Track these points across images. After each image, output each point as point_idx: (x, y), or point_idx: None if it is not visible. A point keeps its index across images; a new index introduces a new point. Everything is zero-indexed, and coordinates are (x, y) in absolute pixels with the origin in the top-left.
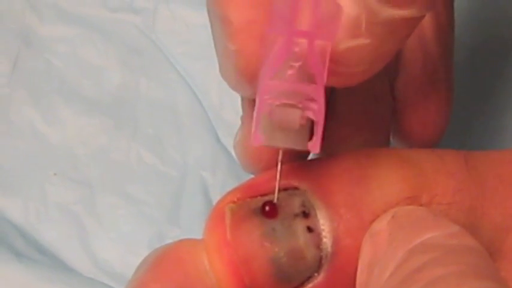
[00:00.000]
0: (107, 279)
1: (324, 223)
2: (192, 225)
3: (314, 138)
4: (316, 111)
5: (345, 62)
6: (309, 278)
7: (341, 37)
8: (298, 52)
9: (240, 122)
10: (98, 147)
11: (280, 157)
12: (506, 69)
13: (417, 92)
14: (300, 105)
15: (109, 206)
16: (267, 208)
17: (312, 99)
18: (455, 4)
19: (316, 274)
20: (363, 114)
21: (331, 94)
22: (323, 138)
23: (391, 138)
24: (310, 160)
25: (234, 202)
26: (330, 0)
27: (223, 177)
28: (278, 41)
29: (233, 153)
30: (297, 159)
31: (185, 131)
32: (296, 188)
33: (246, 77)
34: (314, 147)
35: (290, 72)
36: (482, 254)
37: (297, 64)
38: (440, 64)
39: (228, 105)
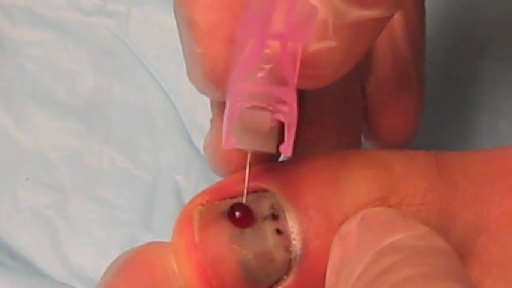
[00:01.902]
0: (79, 284)
1: (293, 225)
2: (165, 228)
3: (286, 140)
4: (288, 113)
5: (314, 64)
6: (278, 281)
7: (309, 39)
8: (269, 54)
9: None
10: (71, 151)
11: (248, 159)
12: (480, 69)
13: (388, 92)
14: (270, 108)
15: (81, 210)
16: (237, 214)
17: (283, 102)
18: (428, 4)
19: (285, 277)
20: (333, 115)
21: (301, 95)
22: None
23: (362, 139)
24: (280, 162)
25: (202, 205)
26: (305, 2)
27: (197, 180)
28: (249, 43)
29: None
30: (267, 161)
31: (158, 134)
32: (265, 190)
33: (213, 80)
34: (286, 150)
35: (260, 74)
36: (451, 255)
37: (267, 66)
38: (411, 64)
39: (202, 108)
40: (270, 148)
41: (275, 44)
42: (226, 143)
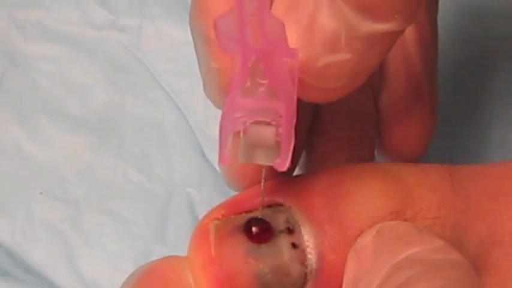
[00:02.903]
0: None
1: (308, 239)
2: (178, 242)
3: (281, 156)
4: (284, 126)
5: (325, 77)
6: None
7: (320, 52)
8: (263, 69)
9: None
10: (84, 165)
11: (263, 174)
12: (492, 82)
13: (401, 107)
14: (274, 122)
15: (95, 224)
16: (254, 230)
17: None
18: (440, 19)
19: None
20: (347, 129)
21: (315, 110)
22: (300, 155)
23: (376, 153)
24: (295, 176)
25: (218, 219)
26: (273, 18)
27: (210, 194)
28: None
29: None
30: (281, 175)
31: (171, 148)
32: (280, 205)
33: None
34: (281, 166)
35: (261, 89)
36: (467, 268)
37: (265, 81)
38: (424, 79)
39: (214, 122)
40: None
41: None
42: (221, 160)
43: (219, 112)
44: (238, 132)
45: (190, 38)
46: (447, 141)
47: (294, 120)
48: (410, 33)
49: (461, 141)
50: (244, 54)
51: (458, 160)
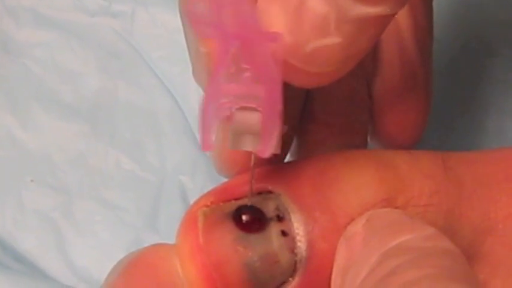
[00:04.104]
0: (85, 286)
1: (298, 227)
2: (170, 230)
3: (261, 142)
4: (263, 112)
5: (315, 61)
6: (283, 283)
7: (309, 36)
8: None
9: None
10: (76, 153)
11: (253, 161)
12: (488, 70)
13: (395, 93)
14: (260, 108)
15: (87, 212)
16: (244, 218)
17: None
18: (436, 6)
19: (290, 279)
20: (339, 116)
21: (307, 96)
22: (291, 142)
23: (368, 140)
24: (285, 163)
25: (207, 206)
26: (247, 1)
27: (203, 182)
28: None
29: None
30: (272, 162)
31: (164, 136)
32: (270, 192)
33: None
34: (262, 152)
35: (246, 75)
36: (458, 256)
37: (248, 66)
38: (418, 65)
39: None
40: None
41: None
42: (203, 146)
43: None
44: (226, 118)
45: None
46: (442, 129)
47: (279, 106)
48: (404, 19)
49: (456, 128)
50: (222, 39)
51: (454, 148)
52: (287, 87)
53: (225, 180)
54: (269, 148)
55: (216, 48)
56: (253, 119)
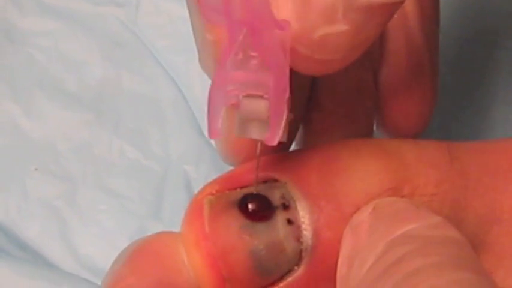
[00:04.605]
0: (88, 275)
1: (304, 215)
2: (174, 219)
3: (269, 130)
4: (271, 100)
5: (322, 49)
6: (289, 272)
7: (317, 23)
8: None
9: None
10: (80, 141)
11: (258, 149)
12: (494, 61)
13: (401, 82)
14: (266, 96)
15: (91, 201)
16: (250, 207)
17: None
18: None
19: (296, 267)
20: (345, 104)
21: (313, 85)
22: (296, 130)
23: (374, 129)
24: (291, 152)
25: (212, 194)
26: None
27: (207, 171)
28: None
29: None
30: (277, 150)
31: (168, 125)
32: (276, 180)
33: None
34: (270, 140)
35: (254, 62)
36: (464, 245)
37: (255, 54)
38: (425, 54)
39: None
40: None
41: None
42: (211, 133)
43: None
44: (233, 106)
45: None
46: (447, 120)
47: (287, 94)
48: (411, 7)
49: (462, 119)
50: (231, 26)
51: (459, 138)
52: (293, 76)
53: (230, 169)
54: (277, 136)
55: (225, 35)
56: (260, 106)
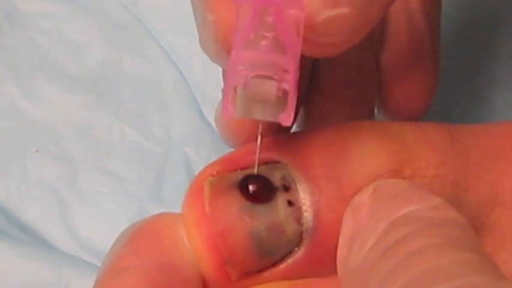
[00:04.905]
0: (88, 257)
1: (304, 197)
2: (175, 202)
3: (286, 110)
4: (289, 82)
5: (325, 31)
6: (289, 253)
7: (320, 6)
8: (271, 22)
9: None
10: (80, 123)
11: (260, 130)
12: (496, 44)
13: (403, 65)
14: (276, 77)
15: (91, 183)
16: (251, 188)
17: (287, 71)
18: None
19: (296, 249)
20: (347, 87)
21: (314, 67)
22: (298, 111)
23: (375, 112)
24: (292, 133)
25: (213, 175)
26: None
27: (207, 153)
28: (249, 11)
29: None
30: (279, 132)
31: (169, 108)
32: (277, 162)
33: (225, 47)
34: (285, 120)
35: (264, 42)
36: (465, 226)
37: (270, 34)
38: (426, 37)
39: (213, 81)
40: (276, 118)
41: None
42: (224, 113)
43: (219, 71)
44: (242, 86)
45: None
46: (449, 103)
47: (298, 75)
48: None
49: (463, 102)
50: (255, 4)
51: (460, 122)
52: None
53: (231, 151)
54: (292, 116)
55: (241, 15)
56: (269, 87)
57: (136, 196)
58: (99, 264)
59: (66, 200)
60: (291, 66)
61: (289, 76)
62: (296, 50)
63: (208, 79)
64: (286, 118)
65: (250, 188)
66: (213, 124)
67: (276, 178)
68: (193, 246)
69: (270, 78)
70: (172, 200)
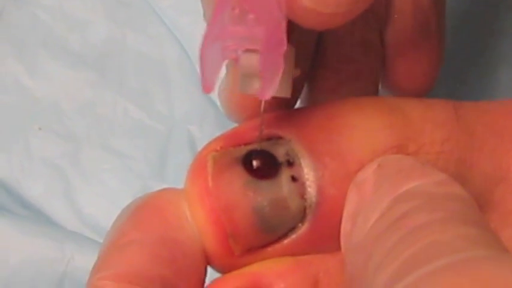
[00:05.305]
0: (91, 233)
1: (308, 172)
2: (178, 179)
3: (261, 84)
4: (261, 53)
5: (326, 1)
6: (292, 229)
7: None
8: None
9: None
10: (84, 101)
11: (262, 105)
12: (501, 23)
13: (407, 41)
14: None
15: (94, 161)
16: (255, 163)
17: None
18: None
19: (300, 224)
20: (351, 62)
21: (319, 42)
22: (302, 87)
23: (380, 88)
24: (296, 109)
25: (216, 151)
26: None
27: (211, 131)
28: None
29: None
30: (282, 108)
31: (172, 85)
32: (280, 137)
33: None
34: (261, 94)
35: (250, 16)
36: (469, 201)
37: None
38: (431, 14)
39: None
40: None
41: None
42: (204, 87)
43: None
44: (234, 61)
45: None
46: (453, 81)
47: (283, 47)
48: None
49: (468, 80)
50: None
51: (465, 99)
52: (298, 31)
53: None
54: (269, 90)
55: None
56: (255, 61)
57: (140, 173)
58: (101, 241)
59: (69, 177)
60: (264, 38)
61: (261, 48)
62: (276, 21)
63: None
64: (261, 92)
65: (254, 163)
66: (217, 102)
67: (279, 153)
68: (196, 221)
69: (257, 51)
70: (176, 177)
